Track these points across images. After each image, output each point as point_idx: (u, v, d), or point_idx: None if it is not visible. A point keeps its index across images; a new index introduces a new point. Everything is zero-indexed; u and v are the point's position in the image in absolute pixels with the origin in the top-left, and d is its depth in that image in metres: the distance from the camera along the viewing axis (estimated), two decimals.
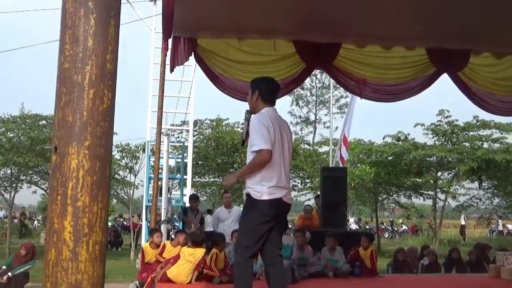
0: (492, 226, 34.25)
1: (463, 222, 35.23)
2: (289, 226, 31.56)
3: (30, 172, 21.18)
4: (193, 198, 11.55)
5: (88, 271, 1.70)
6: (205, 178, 25.82)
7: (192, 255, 7.35)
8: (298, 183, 25.00)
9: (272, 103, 5.02)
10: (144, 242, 13.99)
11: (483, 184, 23.35)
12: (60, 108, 1.77)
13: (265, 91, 4.99)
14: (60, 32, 1.81)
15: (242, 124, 5.32)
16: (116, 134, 20.57)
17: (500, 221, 33.42)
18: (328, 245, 8.63)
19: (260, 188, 4.64)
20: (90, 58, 1.77)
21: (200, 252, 7.41)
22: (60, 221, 1.72)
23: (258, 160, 4.63)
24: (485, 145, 21.34)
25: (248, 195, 4.73)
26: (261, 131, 4.64)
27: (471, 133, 21.25)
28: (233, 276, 4.96)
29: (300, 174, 24.13)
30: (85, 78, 1.76)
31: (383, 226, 36.18)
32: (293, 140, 5.13)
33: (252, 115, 4.94)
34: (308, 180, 24.26)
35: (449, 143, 21.48)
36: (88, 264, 1.70)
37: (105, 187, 1.79)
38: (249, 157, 4.78)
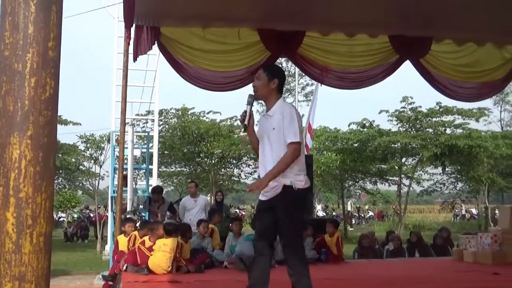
0: (456, 210, 34.90)
1: (349, 208, 34.45)
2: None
3: None
4: (153, 191, 11.31)
5: (32, 263, 1.66)
6: (172, 168, 25.67)
7: (165, 245, 7.32)
8: None
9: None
10: (110, 233, 13.89)
11: (446, 169, 23.78)
12: (0, 97, 1.72)
13: (282, 83, 4.92)
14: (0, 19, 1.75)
15: (244, 109, 4.98)
16: (80, 124, 20.33)
17: (463, 205, 34.04)
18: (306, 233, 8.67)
19: (302, 177, 4.63)
20: (31, 46, 1.72)
21: (172, 241, 7.37)
22: (2, 212, 1.68)
23: (293, 156, 4.58)
24: (448, 131, 21.69)
25: (287, 186, 4.58)
26: (295, 124, 4.60)
27: (434, 119, 21.55)
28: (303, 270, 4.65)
29: None
30: (26, 66, 1.72)
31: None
32: None
33: (287, 105, 4.85)
34: None
35: (413, 129, 21.77)
36: (32, 256, 1.67)
37: (49, 177, 1.75)
38: (274, 139, 4.70)
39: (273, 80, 4.79)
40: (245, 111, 4.81)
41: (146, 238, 7.65)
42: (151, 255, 7.31)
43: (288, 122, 4.60)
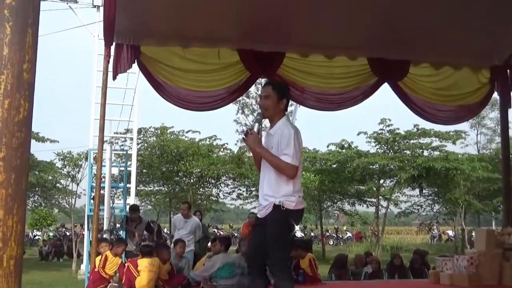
0: (433, 232, 35.08)
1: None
2: (235, 234, 31.52)
3: None
4: (132, 209, 11.19)
5: None
6: (150, 187, 25.49)
7: (152, 264, 7.27)
8: (244, 191, 24.98)
9: None
10: (86, 252, 13.71)
11: (424, 191, 23.91)
12: None
13: (288, 102, 4.96)
14: None
15: (250, 126, 5.09)
16: (58, 142, 20.14)
17: (435, 227, 34.15)
18: None
19: (295, 198, 4.62)
20: (6, 67, 1.72)
21: (156, 261, 7.33)
22: None
23: (286, 171, 4.58)
24: (425, 153, 21.90)
25: (278, 206, 4.59)
26: (296, 147, 4.60)
27: (411, 141, 21.76)
28: None
29: (245, 182, 24.12)
30: (0, 88, 1.71)
31: (328, 234, 36.58)
32: None
33: (287, 125, 4.79)
34: (254, 188, 24.28)
35: (391, 151, 21.94)
36: (2, 280, 1.64)
37: (21, 200, 1.73)
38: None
39: (282, 100, 4.83)
40: (251, 128, 4.87)
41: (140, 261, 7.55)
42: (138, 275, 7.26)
43: (285, 144, 4.60)
